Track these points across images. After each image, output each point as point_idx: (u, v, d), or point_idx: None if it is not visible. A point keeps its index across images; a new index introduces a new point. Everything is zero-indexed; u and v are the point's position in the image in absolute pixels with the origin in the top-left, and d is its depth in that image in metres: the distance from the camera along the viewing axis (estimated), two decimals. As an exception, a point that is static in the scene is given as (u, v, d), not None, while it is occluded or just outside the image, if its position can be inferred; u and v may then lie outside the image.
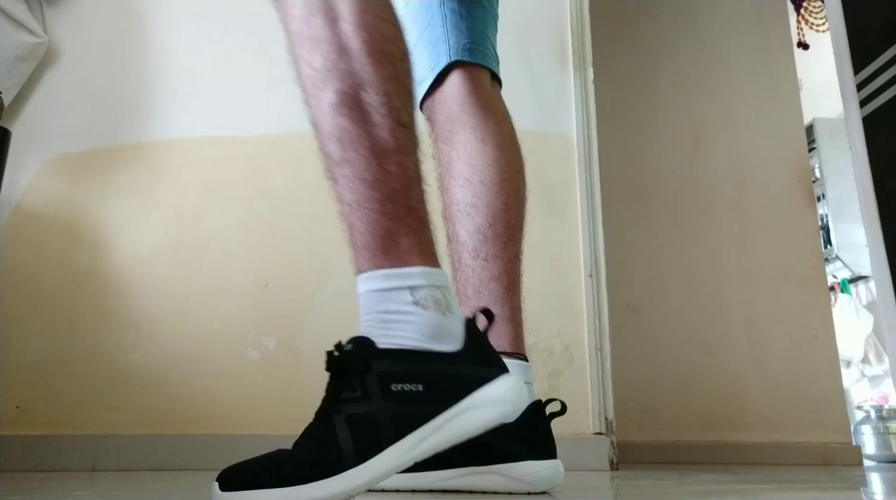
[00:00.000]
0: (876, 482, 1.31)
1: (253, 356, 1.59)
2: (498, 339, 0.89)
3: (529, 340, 1.59)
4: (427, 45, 1.02)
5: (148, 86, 1.79)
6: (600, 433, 1.51)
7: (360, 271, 0.70)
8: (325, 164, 0.73)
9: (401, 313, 0.68)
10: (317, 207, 1.70)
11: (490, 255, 0.93)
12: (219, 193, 1.71)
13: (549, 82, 1.76)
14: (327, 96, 0.71)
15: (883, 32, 1.70)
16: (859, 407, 3.11)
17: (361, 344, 0.68)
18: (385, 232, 0.69)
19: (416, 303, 0.67)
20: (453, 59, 1.00)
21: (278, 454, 0.66)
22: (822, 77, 3.14)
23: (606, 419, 1.53)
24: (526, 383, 0.88)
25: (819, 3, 3.48)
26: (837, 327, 2.30)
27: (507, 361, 0.74)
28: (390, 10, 0.77)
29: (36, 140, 1.72)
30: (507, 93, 1.79)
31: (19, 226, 1.69)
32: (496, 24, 1.10)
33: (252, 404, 1.56)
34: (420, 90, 1.03)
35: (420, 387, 0.65)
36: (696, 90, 2.49)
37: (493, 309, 0.84)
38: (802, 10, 3.56)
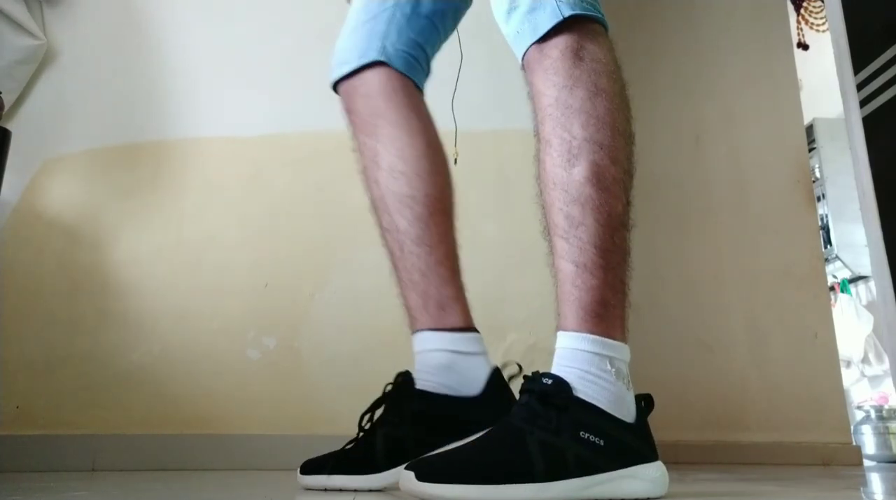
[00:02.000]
0: (876, 482, 1.31)
1: (253, 356, 1.59)
2: (453, 317, 0.95)
3: (529, 340, 1.59)
4: (365, 34, 1.03)
5: (148, 86, 1.79)
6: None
7: (570, 329, 0.78)
8: (560, 223, 0.79)
9: (599, 377, 0.76)
10: (317, 207, 1.70)
11: (434, 242, 0.97)
12: (219, 193, 1.71)
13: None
14: (582, 165, 0.78)
15: (883, 32, 1.70)
16: (859, 407, 3.11)
17: (562, 385, 0.74)
18: (602, 299, 0.77)
19: (614, 373, 0.77)
20: (381, 59, 1.02)
21: (467, 454, 0.73)
22: (822, 77, 3.14)
23: (606, 418, 1.52)
24: (481, 353, 0.94)
25: (819, 3, 3.48)
26: (837, 327, 2.29)
27: (466, 335, 0.89)
28: (627, 92, 0.84)
29: (36, 140, 1.73)
30: (506, 93, 1.80)
31: (19, 226, 1.69)
32: (440, 43, 1.12)
33: (252, 404, 1.56)
34: (339, 71, 1.04)
35: (602, 442, 0.74)
36: (696, 90, 2.49)
37: (443, 291, 0.93)
38: (802, 10, 3.56)
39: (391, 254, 1.01)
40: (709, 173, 2.40)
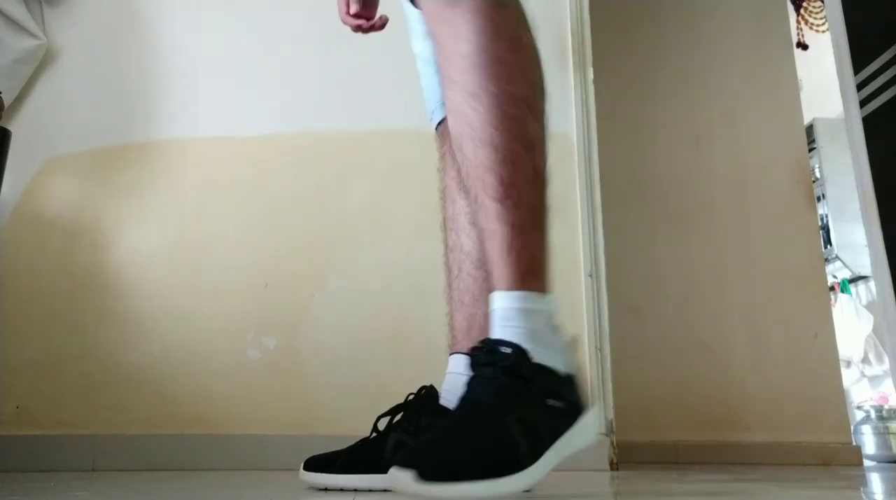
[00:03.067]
0: (876, 482, 1.31)
1: (253, 356, 1.59)
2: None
3: (529, 340, 1.59)
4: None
5: (148, 86, 1.79)
6: (600, 434, 1.51)
7: (507, 288, 0.76)
8: (486, 182, 0.76)
9: (545, 335, 0.75)
10: (317, 207, 1.70)
11: None
12: (219, 193, 1.71)
13: (549, 82, 1.75)
14: (511, 122, 0.76)
15: (883, 32, 1.70)
16: (859, 407, 3.11)
17: (521, 354, 0.72)
18: (539, 257, 0.78)
19: (553, 328, 0.76)
20: None
21: (454, 442, 0.68)
22: (822, 77, 3.14)
23: (606, 419, 1.53)
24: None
25: (819, 3, 3.48)
26: (837, 327, 2.30)
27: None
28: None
29: (36, 140, 1.72)
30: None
31: (19, 226, 1.69)
32: None
33: (252, 404, 1.56)
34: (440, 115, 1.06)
35: (562, 404, 0.74)
36: (696, 90, 2.49)
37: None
38: (802, 11, 3.56)
39: (448, 272, 1.02)
40: (709, 173, 2.40)
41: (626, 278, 2.17)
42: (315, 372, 1.58)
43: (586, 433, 0.76)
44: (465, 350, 0.88)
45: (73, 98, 1.78)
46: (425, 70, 1.10)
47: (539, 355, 0.73)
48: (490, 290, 0.78)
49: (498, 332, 0.74)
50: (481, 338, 0.77)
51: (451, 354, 0.99)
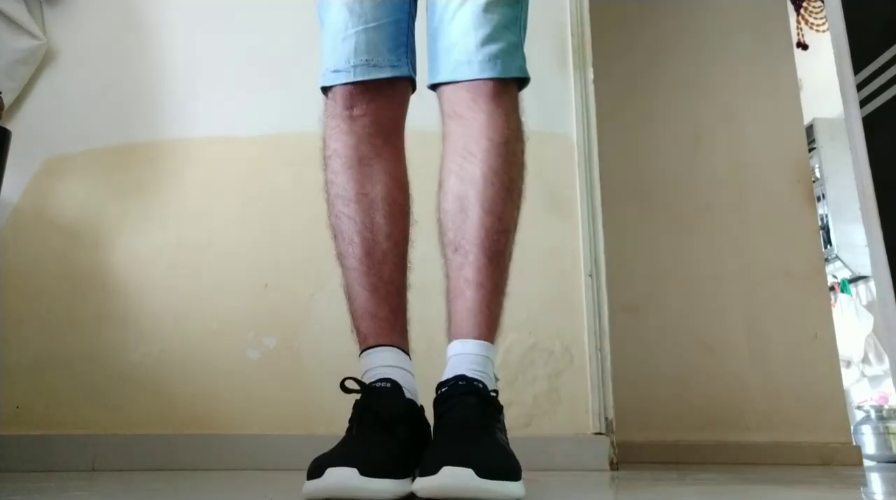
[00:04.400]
0: (876, 482, 1.31)
1: (253, 356, 1.59)
2: (407, 343, 0.98)
3: (529, 340, 1.59)
4: (390, 38, 0.99)
5: (148, 86, 1.79)
6: (600, 433, 1.51)
7: (480, 337, 0.88)
8: (489, 246, 0.90)
9: (490, 378, 0.87)
10: (317, 207, 1.69)
11: (405, 266, 1.04)
12: (219, 193, 1.71)
13: (549, 83, 1.76)
14: (512, 208, 0.95)
15: (883, 32, 1.70)
16: (859, 407, 3.11)
17: (492, 392, 0.86)
18: (499, 316, 0.91)
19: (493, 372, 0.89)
20: (412, 77, 1.02)
21: (488, 451, 0.76)
22: (822, 77, 3.14)
23: (606, 418, 1.53)
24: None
25: (819, 3, 3.48)
26: (837, 327, 2.30)
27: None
28: None
29: (36, 140, 1.72)
30: (507, 93, 1.79)
31: (19, 226, 1.69)
32: None
33: (252, 404, 1.56)
34: (371, 74, 0.98)
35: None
36: (696, 90, 2.49)
37: (403, 313, 0.98)
38: (802, 10, 3.56)
39: (368, 257, 0.96)
40: (709, 173, 2.41)
41: (626, 278, 2.17)
42: (315, 372, 1.58)
43: None
44: (397, 344, 0.93)
45: (73, 98, 1.78)
46: (378, 13, 1.00)
47: (490, 388, 0.85)
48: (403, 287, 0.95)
49: (468, 370, 0.85)
50: (403, 334, 0.94)
51: (387, 347, 0.92)
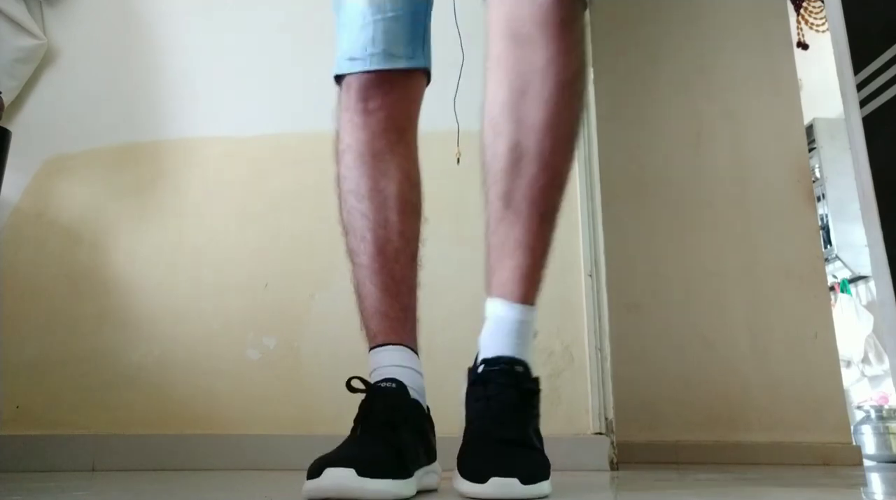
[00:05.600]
0: (876, 482, 1.31)
1: (253, 356, 1.59)
2: (415, 342, 0.96)
3: (529, 340, 1.59)
4: (407, 29, 0.96)
5: (148, 86, 1.79)
6: (600, 433, 1.51)
7: (522, 301, 0.85)
8: (551, 202, 0.87)
9: (531, 342, 0.87)
10: (317, 207, 1.70)
11: (415, 256, 1.01)
12: (219, 193, 1.71)
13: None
14: (571, 154, 0.88)
15: (883, 32, 1.70)
16: (859, 407, 3.11)
17: (530, 370, 0.85)
18: (542, 278, 0.87)
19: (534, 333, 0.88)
20: (427, 68, 1.00)
21: (530, 458, 0.79)
22: (822, 77, 3.14)
23: (606, 418, 1.53)
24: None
25: (819, 3, 3.48)
26: (837, 327, 2.30)
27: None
28: None
29: (36, 140, 1.72)
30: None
31: (19, 226, 1.69)
32: None
33: (252, 404, 1.56)
34: (389, 63, 0.94)
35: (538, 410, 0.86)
36: (697, 90, 2.49)
37: (412, 312, 0.96)
38: (802, 10, 3.56)
39: (381, 254, 0.93)
40: (709, 173, 2.40)
41: (626, 277, 2.17)
42: (315, 372, 1.58)
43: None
44: (404, 343, 0.92)
45: (73, 98, 1.78)
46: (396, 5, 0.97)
47: (531, 365, 0.85)
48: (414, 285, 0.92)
49: (511, 345, 0.84)
50: (412, 334, 0.92)
51: (393, 345, 0.92)
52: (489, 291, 0.87)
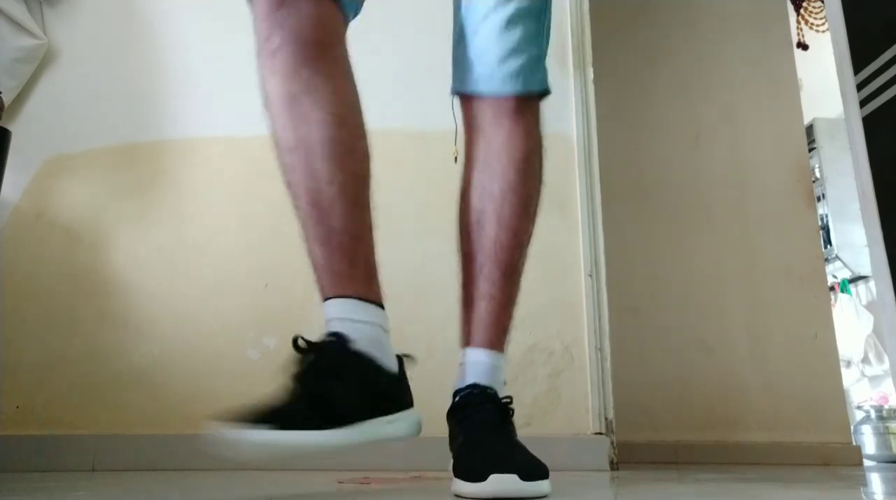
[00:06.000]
0: (876, 482, 1.31)
1: (253, 356, 1.59)
2: (377, 290, 0.92)
3: (529, 340, 1.59)
4: (528, 51, 0.98)
5: (148, 86, 1.79)
6: (600, 433, 1.51)
7: (491, 347, 0.94)
8: (506, 261, 0.96)
9: (500, 385, 0.94)
10: (317, 207, 1.70)
11: (367, 204, 0.97)
12: (219, 193, 1.71)
13: (549, 82, 1.76)
14: (529, 223, 1.01)
15: (883, 32, 1.70)
16: (859, 407, 3.11)
17: (504, 399, 0.91)
18: (507, 326, 0.98)
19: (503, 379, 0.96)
20: (541, 90, 1.01)
21: (526, 456, 0.82)
22: (822, 77, 3.14)
23: (606, 418, 1.53)
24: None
25: (819, 3, 3.48)
26: (837, 327, 2.30)
27: (384, 312, 0.91)
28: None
29: (36, 140, 1.72)
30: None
31: (19, 226, 1.69)
32: None
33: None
34: (475, 85, 0.98)
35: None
36: (696, 90, 2.49)
37: (371, 260, 0.92)
38: (802, 11, 3.56)
39: (315, 207, 0.90)
40: (709, 174, 2.41)
41: (626, 278, 2.17)
42: (315, 372, 1.58)
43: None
44: (355, 295, 0.89)
45: (73, 98, 1.78)
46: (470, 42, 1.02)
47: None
48: (368, 230, 0.90)
49: (482, 378, 0.91)
50: (368, 284, 0.90)
51: (335, 298, 0.91)
52: (461, 341, 0.96)
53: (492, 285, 0.94)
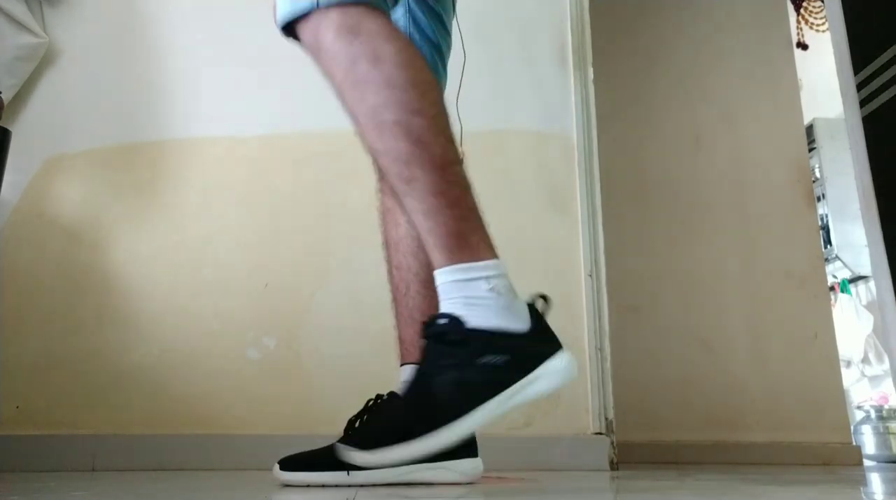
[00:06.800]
0: (876, 482, 1.31)
1: (253, 356, 1.59)
2: None
3: (529, 340, 1.59)
4: None
5: (148, 86, 1.79)
6: (600, 433, 1.51)
7: (440, 266, 0.84)
8: (394, 182, 0.85)
9: (481, 298, 0.82)
10: (317, 207, 1.70)
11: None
12: (219, 193, 1.71)
13: (550, 82, 1.76)
14: (389, 128, 0.83)
15: (883, 32, 1.70)
16: (859, 407, 3.11)
17: (456, 321, 0.81)
18: (457, 232, 0.83)
19: (492, 290, 0.82)
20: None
21: (394, 414, 0.85)
22: (822, 77, 3.14)
23: (606, 418, 1.53)
24: None
25: (819, 3, 3.48)
26: (837, 327, 2.30)
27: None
28: (410, 47, 0.89)
29: (36, 140, 1.72)
30: (507, 93, 1.79)
31: (19, 226, 1.69)
32: None
33: (252, 405, 1.56)
34: None
35: (503, 359, 0.81)
36: (697, 90, 2.49)
37: None
38: (802, 10, 3.56)
39: (395, 290, 1.12)
40: (709, 173, 2.41)
41: (626, 278, 2.18)
42: (315, 372, 1.58)
43: (549, 379, 0.82)
44: (417, 361, 0.90)
45: (74, 98, 1.78)
46: None
47: (476, 319, 0.81)
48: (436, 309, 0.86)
49: (441, 307, 0.84)
50: None
51: (402, 365, 1.08)
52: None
53: (406, 211, 0.85)
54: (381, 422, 0.88)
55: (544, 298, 0.86)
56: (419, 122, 0.83)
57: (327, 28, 0.84)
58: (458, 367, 0.80)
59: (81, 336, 1.61)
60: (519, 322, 0.83)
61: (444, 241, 0.83)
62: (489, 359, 0.80)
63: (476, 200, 0.86)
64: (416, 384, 0.83)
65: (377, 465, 0.83)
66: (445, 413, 0.79)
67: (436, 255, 0.84)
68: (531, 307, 0.85)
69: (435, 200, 0.83)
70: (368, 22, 0.85)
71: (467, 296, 0.82)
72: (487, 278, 0.83)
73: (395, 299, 1.12)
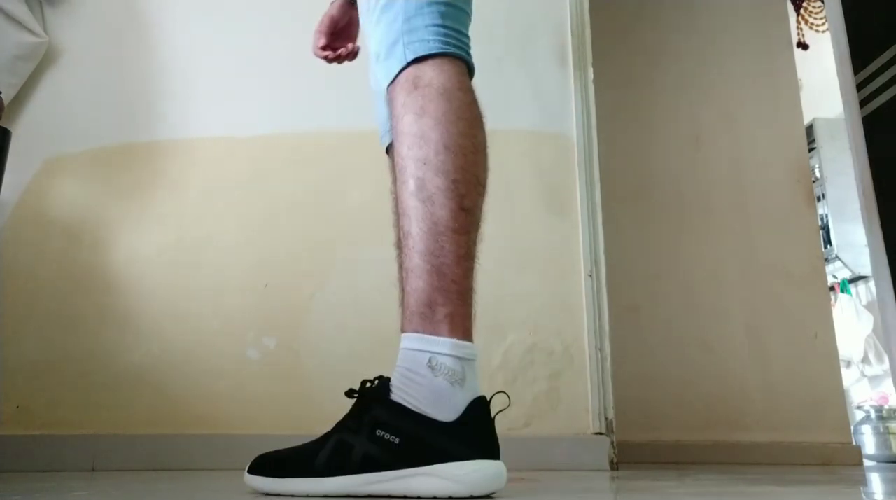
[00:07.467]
0: (876, 482, 1.31)
1: (253, 356, 1.59)
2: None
3: (529, 340, 1.59)
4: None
5: (148, 86, 1.79)
6: (600, 433, 1.51)
7: (401, 329, 0.84)
8: (398, 235, 0.87)
9: (416, 373, 0.79)
10: (317, 207, 1.70)
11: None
12: (219, 193, 1.71)
13: (550, 82, 1.76)
14: (407, 181, 0.85)
15: (883, 32, 1.70)
16: (859, 407, 3.11)
17: (383, 387, 0.81)
18: (428, 301, 0.82)
19: (431, 368, 0.79)
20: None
21: (292, 452, 0.85)
22: (822, 77, 3.14)
23: (606, 418, 1.53)
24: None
25: (819, 3, 3.48)
26: (837, 327, 2.30)
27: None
28: (471, 109, 0.90)
29: (36, 140, 1.72)
30: (507, 93, 1.79)
31: (19, 226, 1.69)
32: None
33: (252, 404, 1.56)
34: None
35: (397, 440, 0.77)
36: (697, 90, 2.49)
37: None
38: (802, 11, 3.56)
39: (397, 248, 0.98)
40: (709, 173, 2.41)
41: (626, 278, 2.18)
42: (315, 372, 1.58)
43: (440, 483, 0.74)
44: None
45: (74, 98, 1.78)
46: (377, 101, 1.17)
47: (400, 392, 0.80)
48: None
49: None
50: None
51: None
52: None
53: (400, 253, 0.89)
54: (290, 450, 0.86)
55: (482, 400, 0.79)
56: (436, 182, 0.84)
57: (401, 78, 0.90)
58: (353, 431, 0.80)
59: (81, 336, 1.61)
60: (443, 411, 0.77)
61: (414, 307, 0.82)
62: (383, 434, 0.77)
63: (471, 274, 0.84)
64: (325, 434, 0.84)
65: (281, 492, 0.82)
66: (310, 467, 0.79)
67: (404, 316, 0.84)
68: (476, 403, 0.78)
69: (420, 262, 0.82)
70: (435, 75, 0.89)
71: (407, 368, 0.80)
72: (433, 355, 0.79)
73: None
